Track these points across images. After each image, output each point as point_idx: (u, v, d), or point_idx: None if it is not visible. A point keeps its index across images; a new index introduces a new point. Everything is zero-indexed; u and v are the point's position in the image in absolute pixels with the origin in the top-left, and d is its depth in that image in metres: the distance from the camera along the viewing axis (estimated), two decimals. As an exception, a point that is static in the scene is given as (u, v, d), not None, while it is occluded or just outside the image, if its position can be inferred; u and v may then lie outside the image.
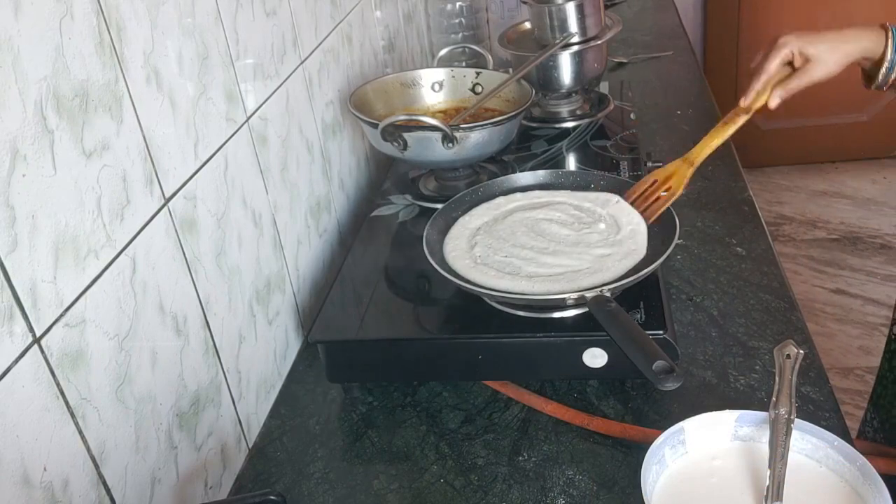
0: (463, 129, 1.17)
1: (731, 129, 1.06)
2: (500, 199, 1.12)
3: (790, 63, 1.02)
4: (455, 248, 1.03)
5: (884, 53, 0.98)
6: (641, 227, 1.02)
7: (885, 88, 1.01)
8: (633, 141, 1.39)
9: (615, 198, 1.07)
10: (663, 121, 1.61)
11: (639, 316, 0.92)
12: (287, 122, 1.13)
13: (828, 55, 0.99)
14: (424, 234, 1.03)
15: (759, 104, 1.04)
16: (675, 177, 1.06)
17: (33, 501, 0.62)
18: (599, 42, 1.46)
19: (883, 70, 0.99)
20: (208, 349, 0.89)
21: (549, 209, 1.07)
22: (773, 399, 0.76)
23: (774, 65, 1.02)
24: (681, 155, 1.09)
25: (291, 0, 1.15)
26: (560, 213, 1.06)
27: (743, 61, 3.16)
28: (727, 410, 0.78)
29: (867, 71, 1.02)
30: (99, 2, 0.71)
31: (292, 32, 1.16)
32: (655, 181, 1.07)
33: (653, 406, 0.95)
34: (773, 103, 1.02)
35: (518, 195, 1.13)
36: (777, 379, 0.77)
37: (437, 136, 1.16)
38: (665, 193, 1.05)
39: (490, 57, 1.46)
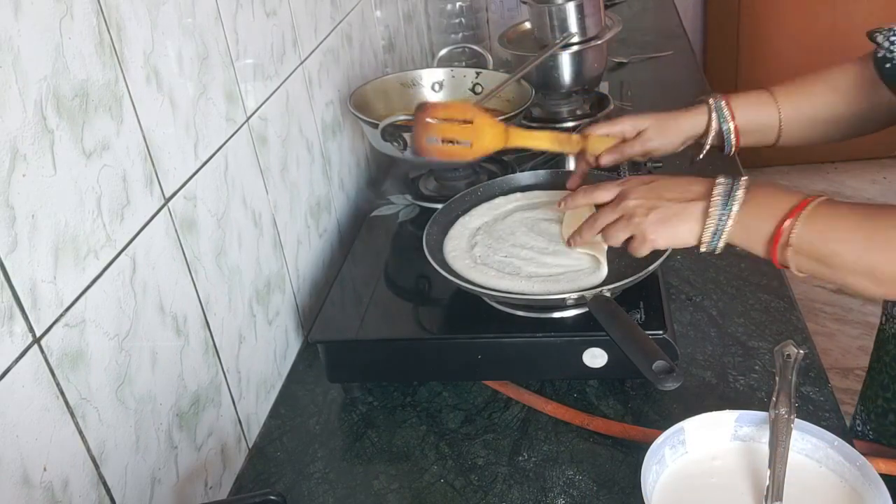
0: (463, 129, 1.17)
1: (552, 147, 1.06)
2: (500, 199, 1.12)
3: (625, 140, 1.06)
4: (455, 248, 1.03)
5: (708, 124, 1.04)
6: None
7: (731, 153, 1.06)
8: (633, 141, 1.39)
9: None
10: (663, 121, 1.61)
11: (639, 316, 0.92)
12: (287, 122, 1.13)
13: (659, 127, 1.05)
14: (424, 234, 1.03)
15: (588, 147, 1.05)
16: (483, 136, 0.99)
17: (33, 501, 0.62)
18: (599, 42, 1.46)
19: (708, 140, 1.04)
20: (208, 349, 0.89)
21: (549, 209, 1.07)
22: (773, 399, 0.76)
23: (602, 129, 1.05)
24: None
25: (291, 0, 1.15)
26: (560, 212, 1.06)
27: (743, 61, 3.16)
28: (727, 410, 0.79)
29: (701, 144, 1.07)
30: (99, 2, 0.71)
31: (292, 32, 1.16)
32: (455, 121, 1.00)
33: (653, 406, 0.95)
34: (605, 161, 1.04)
35: (518, 195, 1.13)
36: (777, 379, 0.78)
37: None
38: (459, 144, 0.99)
39: (490, 57, 1.46)
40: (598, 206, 0.89)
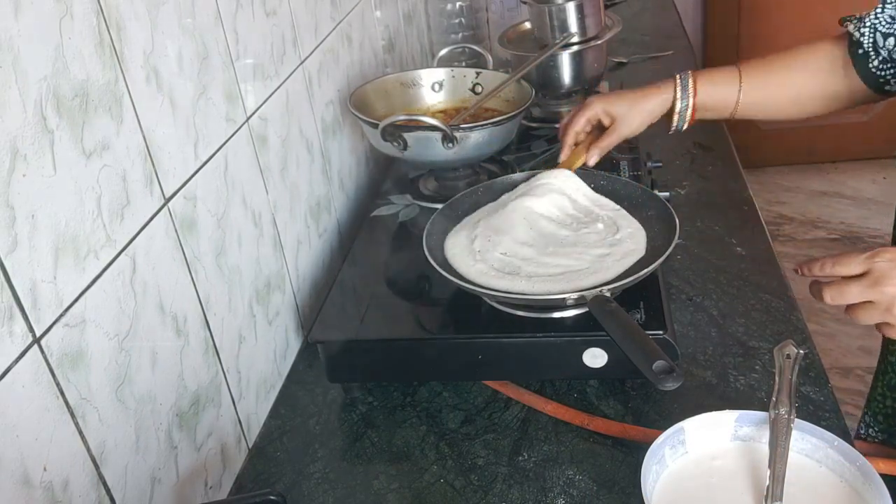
0: (463, 129, 1.17)
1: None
2: (504, 196, 1.11)
3: (599, 122, 1.13)
4: (455, 245, 1.02)
5: (673, 103, 1.08)
6: (640, 228, 1.02)
7: (683, 129, 1.10)
8: (633, 141, 1.39)
9: (615, 205, 1.07)
10: (663, 121, 1.61)
11: (639, 316, 0.92)
12: (287, 121, 1.13)
13: (630, 114, 1.10)
14: (424, 234, 1.03)
15: (578, 163, 1.13)
16: None
17: (33, 501, 0.62)
18: (599, 42, 1.46)
19: (675, 118, 1.09)
20: (208, 349, 0.89)
21: (548, 201, 1.06)
22: (773, 399, 0.76)
23: (581, 122, 1.12)
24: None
25: (291, 0, 1.15)
26: (559, 211, 1.06)
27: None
28: (727, 410, 0.78)
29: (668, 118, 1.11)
30: (99, 2, 0.71)
31: (292, 32, 1.16)
32: None
33: (653, 406, 0.95)
34: (592, 161, 1.12)
35: (517, 176, 1.13)
36: (777, 379, 0.77)
37: (437, 136, 1.16)
38: None
39: (490, 57, 1.46)
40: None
